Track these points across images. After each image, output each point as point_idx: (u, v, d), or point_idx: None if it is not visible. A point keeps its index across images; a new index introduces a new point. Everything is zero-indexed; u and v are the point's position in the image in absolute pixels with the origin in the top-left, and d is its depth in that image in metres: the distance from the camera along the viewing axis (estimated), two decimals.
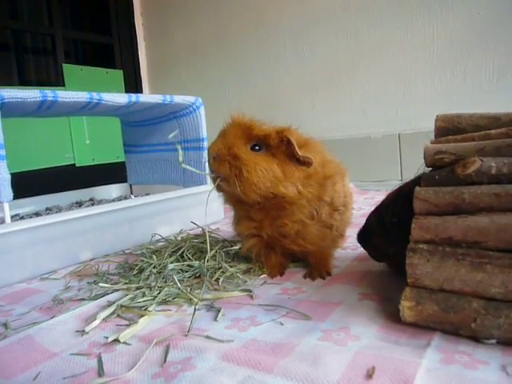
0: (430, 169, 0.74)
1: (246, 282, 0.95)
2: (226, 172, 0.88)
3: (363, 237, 0.91)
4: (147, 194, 1.90)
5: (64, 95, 1.22)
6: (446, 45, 1.92)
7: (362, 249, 0.95)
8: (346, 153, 2.27)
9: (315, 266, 0.97)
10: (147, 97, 1.47)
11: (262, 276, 0.99)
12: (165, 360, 0.62)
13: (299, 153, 0.88)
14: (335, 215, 0.96)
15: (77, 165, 2.65)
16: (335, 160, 1.03)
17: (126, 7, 3.02)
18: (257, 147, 0.90)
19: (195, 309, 0.78)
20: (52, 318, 0.80)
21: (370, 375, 0.53)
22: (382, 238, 0.84)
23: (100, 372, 0.61)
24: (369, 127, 2.19)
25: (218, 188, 0.94)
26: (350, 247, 1.15)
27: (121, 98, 1.36)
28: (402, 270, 0.81)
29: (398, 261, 0.78)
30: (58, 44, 2.67)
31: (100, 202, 1.94)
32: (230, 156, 0.88)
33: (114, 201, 1.93)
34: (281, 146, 0.90)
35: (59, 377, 0.61)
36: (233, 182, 0.88)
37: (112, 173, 2.29)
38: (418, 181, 0.78)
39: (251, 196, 0.89)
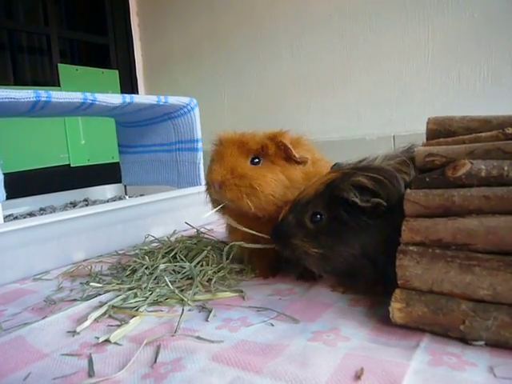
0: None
1: (238, 282, 0.96)
2: (237, 196, 0.86)
3: (280, 237, 0.83)
4: (142, 195, 1.90)
5: (58, 95, 1.22)
6: (441, 48, 1.92)
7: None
8: (341, 154, 2.27)
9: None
10: (141, 98, 1.47)
11: (255, 277, 0.99)
12: (155, 360, 0.62)
13: (296, 155, 0.88)
14: None
15: (72, 165, 2.64)
16: (325, 158, 1.03)
17: (122, 7, 3.01)
18: (256, 160, 0.90)
19: (183, 309, 0.79)
20: (44, 318, 0.80)
21: (358, 376, 0.54)
22: (302, 240, 0.78)
23: (90, 372, 0.61)
24: (364, 129, 2.19)
25: (221, 211, 0.93)
26: None
27: (115, 99, 1.36)
28: (326, 269, 0.80)
29: (324, 260, 0.77)
30: (54, 44, 2.66)
31: (94, 202, 1.93)
32: (236, 178, 0.86)
33: (108, 201, 1.92)
34: (278, 152, 0.90)
35: (49, 377, 0.61)
36: (246, 204, 0.86)
37: (107, 173, 2.28)
38: (348, 172, 0.77)
39: (268, 209, 0.87)
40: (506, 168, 0.63)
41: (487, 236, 0.61)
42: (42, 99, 1.19)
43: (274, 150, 0.90)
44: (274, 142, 0.90)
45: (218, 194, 0.89)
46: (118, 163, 2.04)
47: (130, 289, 0.90)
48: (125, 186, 2.08)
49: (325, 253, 0.76)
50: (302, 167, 0.91)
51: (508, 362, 0.56)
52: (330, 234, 0.76)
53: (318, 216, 0.78)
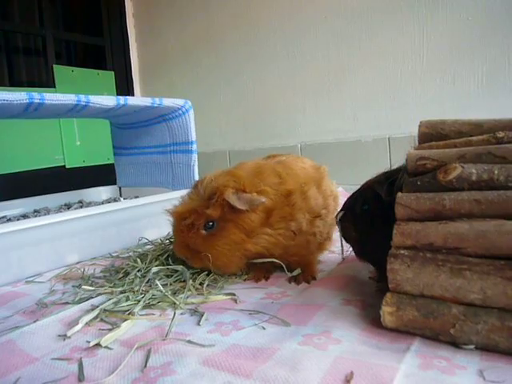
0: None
1: (230, 285, 0.95)
2: (204, 265, 0.92)
3: (337, 217, 0.91)
4: (136, 197, 1.90)
5: (51, 97, 1.22)
6: (436, 50, 1.93)
7: (348, 253, 0.95)
8: (336, 156, 2.28)
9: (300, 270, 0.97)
10: (136, 99, 1.47)
11: (247, 279, 0.99)
12: (145, 365, 0.62)
13: (242, 207, 0.86)
14: (316, 222, 0.96)
15: (67, 166, 2.64)
16: (307, 167, 1.03)
17: (118, 8, 3.01)
18: (210, 223, 0.90)
19: (175, 313, 0.79)
20: (35, 322, 0.80)
21: (348, 380, 0.53)
22: (348, 222, 0.87)
23: (80, 377, 0.61)
24: (359, 131, 2.19)
25: None
26: (337, 251, 1.15)
27: (109, 101, 1.36)
28: (362, 256, 0.88)
29: (359, 246, 0.87)
30: (49, 45, 2.65)
31: (89, 204, 1.93)
32: (194, 252, 0.92)
33: (102, 203, 1.92)
34: (228, 208, 0.89)
35: (39, 382, 0.60)
36: (214, 268, 0.92)
37: (102, 175, 2.28)
38: (389, 174, 0.81)
39: (230, 272, 0.96)
40: (496, 172, 0.63)
41: (478, 240, 0.61)
42: (36, 101, 1.19)
43: (222, 210, 0.89)
44: (218, 203, 0.89)
45: (190, 264, 0.95)
46: (113, 165, 2.03)
47: (122, 292, 0.89)
48: (119, 188, 2.08)
49: (360, 238, 0.84)
50: (260, 210, 0.89)
51: (497, 366, 0.56)
52: (368, 222, 0.82)
53: (366, 205, 0.83)
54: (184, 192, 1.00)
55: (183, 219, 0.92)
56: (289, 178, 0.95)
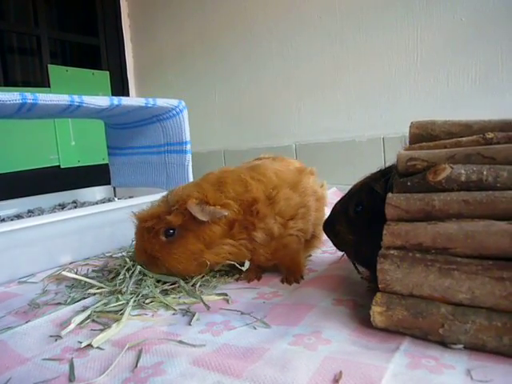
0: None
1: (222, 285, 0.96)
2: (159, 270, 0.93)
3: (328, 224, 0.91)
4: (131, 197, 1.90)
5: (44, 98, 1.21)
6: (430, 50, 1.93)
7: (340, 253, 0.95)
8: (331, 156, 2.29)
9: (288, 271, 0.97)
10: (129, 100, 1.47)
11: (239, 279, 0.99)
12: (136, 365, 0.62)
13: (203, 218, 0.88)
14: (291, 223, 0.96)
15: (62, 166, 2.63)
16: (285, 169, 1.03)
17: (113, 8, 3.00)
18: (171, 231, 0.91)
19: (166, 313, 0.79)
20: (27, 322, 0.80)
21: (336, 380, 0.54)
22: (343, 226, 0.85)
23: (71, 377, 0.61)
24: (353, 131, 2.19)
25: None
26: (328, 251, 1.15)
27: (102, 101, 1.36)
28: (358, 259, 0.86)
29: (356, 249, 0.84)
30: (44, 45, 2.64)
31: (83, 204, 1.92)
32: (151, 259, 0.93)
33: (97, 203, 1.92)
34: (189, 218, 0.90)
35: (30, 382, 0.61)
36: (174, 272, 0.93)
37: (97, 175, 2.28)
38: (384, 172, 0.81)
39: (195, 271, 0.95)
40: (485, 173, 0.64)
41: (466, 240, 0.61)
42: (29, 101, 1.19)
43: (183, 219, 0.90)
44: (180, 212, 0.90)
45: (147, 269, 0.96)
46: (108, 165, 2.03)
47: (113, 292, 0.90)
48: (114, 188, 2.08)
49: (357, 240, 0.82)
50: (222, 222, 0.91)
51: (485, 365, 0.56)
52: (365, 223, 0.80)
53: (360, 206, 0.82)
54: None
55: (144, 222, 0.94)
56: (255, 184, 0.95)
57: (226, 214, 0.89)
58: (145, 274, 0.94)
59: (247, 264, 0.94)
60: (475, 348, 0.59)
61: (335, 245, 0.91)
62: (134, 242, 1.30)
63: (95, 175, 2.33)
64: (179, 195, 0.92)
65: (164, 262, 0.92)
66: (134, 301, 0.84)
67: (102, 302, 0.84)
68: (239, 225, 0.91)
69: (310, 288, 0.89)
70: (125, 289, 0.89)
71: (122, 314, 0.80)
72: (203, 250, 0.90)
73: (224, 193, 0.92)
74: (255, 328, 0.72)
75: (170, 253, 0.91)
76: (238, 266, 0.93)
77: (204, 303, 0.84)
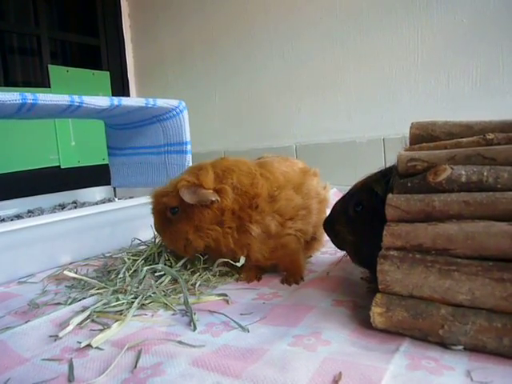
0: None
1: (222, 286, 0.96)
2: (167, 245, 1.04)
3: (328, 223, 0.91)
4: (131, 197, 1.90)
5: (44, 98, 1.21)
6: (430, 51, 1.93)
7: (341, 253, 0.95)
8: (331, 157, 2.29)
9: (288, 272, 0.97)
10: (130, 100, 1.47)
11: (239, 279, 0.99)
12: (135, 365, 0.62)
13: (189, 201, 0.91)
14: (289, 223, 0.96)
15: (62, 166, 2.63)
16: (291, 170, 1.03)
17: (114, 8, 3.00)
18: (175, 209, 0.96)
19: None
20: (26, 322, 0.80)
21: (336, 381, 0.54)
22: (343, 226, 0.85)
23: (70, 377, 0.61)
24: (354, 132, 2.19)
25: None
26: (329, 252, 1.15)
27: (103, 101, 1.36)
28: (358, 259, 0.85)
29: (356, 249, 0.84)
30: (44, 45, 2.64)
31: (83, 204, 1.92)
32: (159, 233, 1.05)
33: (97, 203, 1.92)
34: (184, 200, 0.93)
35: (29, 382, 0.61)
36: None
37: (97, 175, 2.28)
38: (384, 172, 0.80)
39: (183, 255, 1.01)
40: (485, 173, 0.64)
41: (466, 241, 0.61)
42: (29, 101, 1.18)
43: (178, 200, 0.94)
44: (173, 192, 0.96)
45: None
46: (108, 165, 2.03)
47: (113, 292, 0.90)
48: (114, 188, 2.08)
49: (357, 241, 0.82)
50: (216, 207, 0.93)
51: (485, 367, 0.56)
52: (364, 223, 0.80)
53: (360, 206, 0.82)
54: None
55: (156, 200, 1.01)
56: (262, 181, 0.95)
57: (214, 199, 0.91)
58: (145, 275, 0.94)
59: (242, 260, 0.95)
60: (475, 349, 0.59)
61: (335, 244, 0.91)
62: (134, 242, 1.31)
63: (95, 175, 2.33)
64: (179, 177, 0.98)
65: (163, 237, 1.02)
66: (137, 302, 0.84)
67: (102, 302, 0.84)
68: (231, 213, 0.93)
69: (309, 289, 0.89)
70: (128, 288, 0.88)
71: (123, 313, 0.80)
72: (188, 230, 0.94)
73: (225, 179, 0.94)
74: (248, 331, 0.71)
75: (167, 230, 0.99)
76: (232, 262, 0.95)
77: (192, 320, 0.79)
